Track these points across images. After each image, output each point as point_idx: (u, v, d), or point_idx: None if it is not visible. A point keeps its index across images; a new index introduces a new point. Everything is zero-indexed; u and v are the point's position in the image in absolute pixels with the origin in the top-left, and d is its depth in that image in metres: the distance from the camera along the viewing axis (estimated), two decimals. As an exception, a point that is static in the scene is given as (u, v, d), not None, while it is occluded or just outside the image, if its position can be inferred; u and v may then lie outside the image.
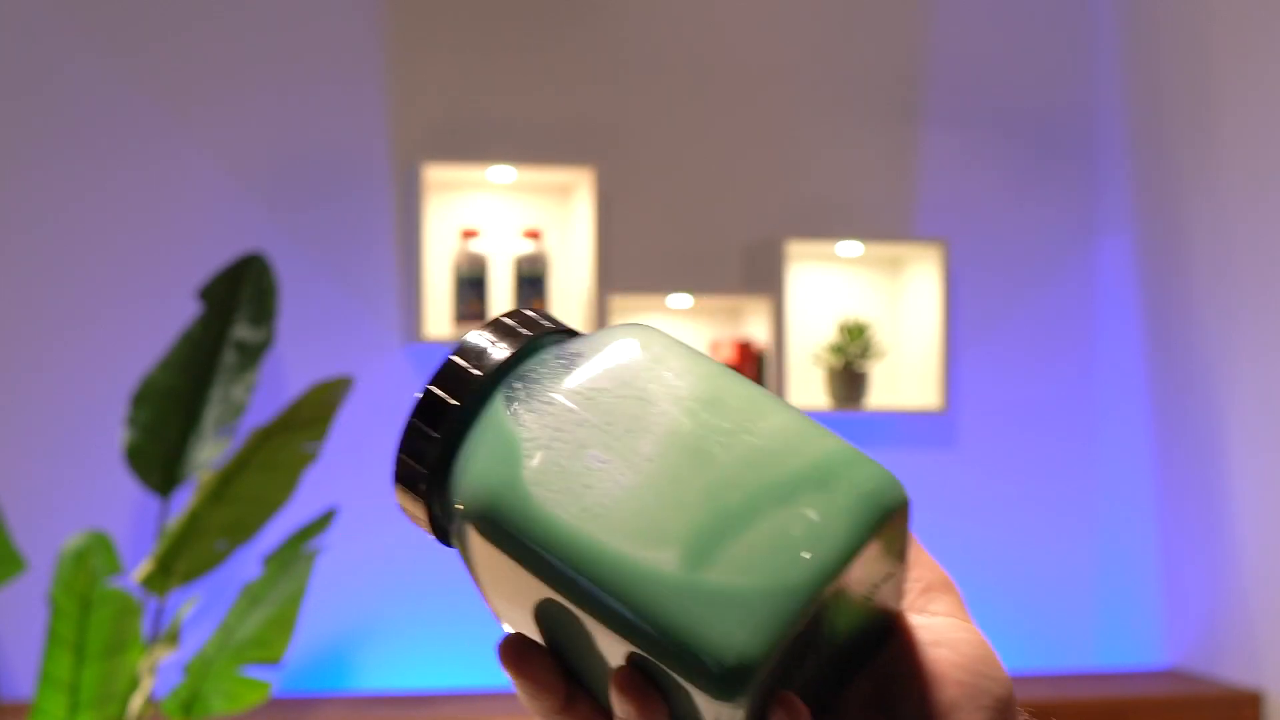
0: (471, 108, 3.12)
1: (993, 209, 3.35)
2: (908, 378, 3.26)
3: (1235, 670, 3.00)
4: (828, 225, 3.26)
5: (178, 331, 2.68)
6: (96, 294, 2.96)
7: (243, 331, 2.62)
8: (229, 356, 2.60)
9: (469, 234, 3.03)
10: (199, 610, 2.86)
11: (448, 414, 0.51)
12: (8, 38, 2.94)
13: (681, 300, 3.14)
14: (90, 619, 2.36)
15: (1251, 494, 2.94)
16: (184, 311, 2.85)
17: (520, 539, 0.48)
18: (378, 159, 3.07)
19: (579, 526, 0.47)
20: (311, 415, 2.47)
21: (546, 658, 0.50)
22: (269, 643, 2.46)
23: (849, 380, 3.17)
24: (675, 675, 0.45)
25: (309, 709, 2.86)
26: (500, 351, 0.51)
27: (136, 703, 2.38)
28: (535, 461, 0.49)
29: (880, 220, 3.30)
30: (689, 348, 0.52)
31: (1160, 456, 3.21)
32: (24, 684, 2.88)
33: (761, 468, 0.48)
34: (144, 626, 2.47)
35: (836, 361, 3.17)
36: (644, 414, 0.50)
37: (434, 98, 3.10)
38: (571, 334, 0.54)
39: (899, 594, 0.52)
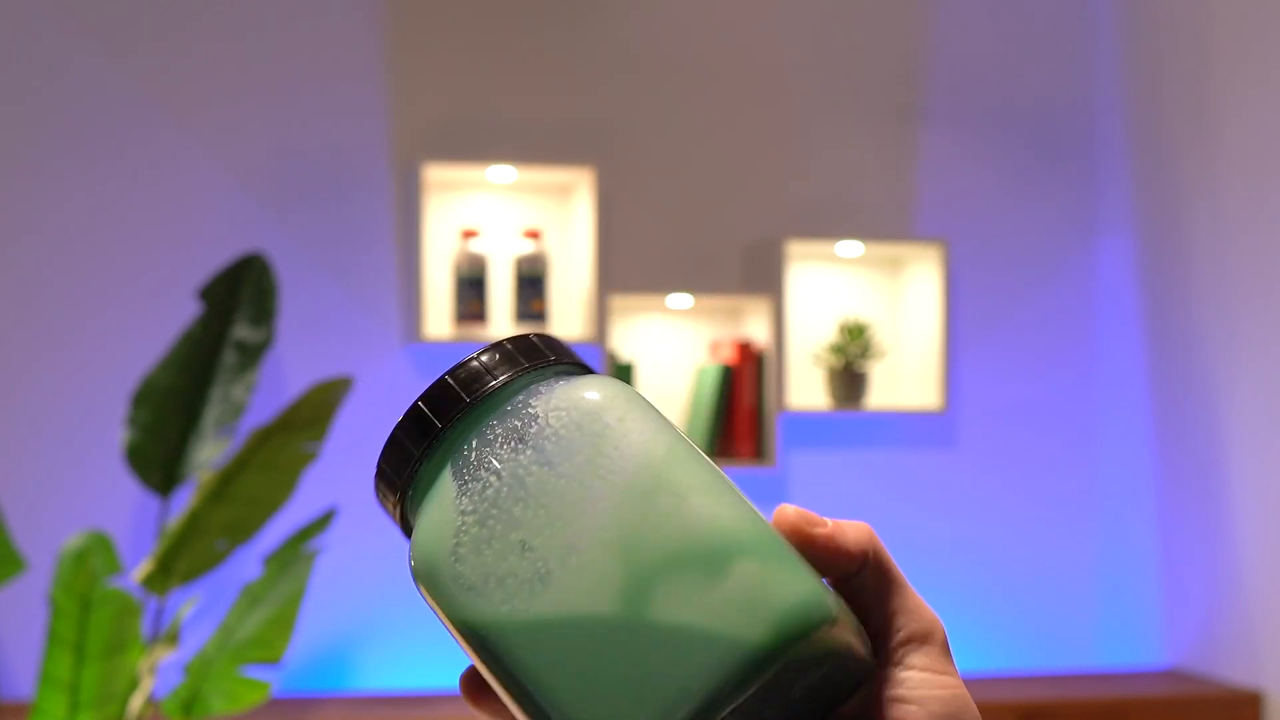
0: (471, 108, 3.12)
1: (993, 209, 3.35)
2: (908, 378, 3.26)
3: (1235, 670, 3.00)
4: (828, 225, 3.26)
5: (178, 331, 2.68)
6: (96, 294, 2.96)
7: (243, 331, 2.62)
8: (229, 356, 2.60)
9: (469, 234, 3.02)
10: (199, 610, 2.86)
11: (408, 461, 0.51)
12: (7, 38, 2.94)
13: (681, 300, 3.14)
14: (90, 619, 2.36)
15: (1251, 494, 2.94)
16: (184, 311, 2.85)
17: (447, 616, 0.49)
18: (378, 159, 3.07)
19: (494, 619, 0.48)
20: (311, 415, 2.47)
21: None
22: (269, 643, 2.46)
23: (849, 380, 3.17)
24: None
25: (309, 709, 2.86)
26: (469, 394, 0.51)
27: (136, 703, 2.39)
28: (468, 539, 0.49)
29: (880, 220, 3.30)
30: (649, 414, 0.51)
31: (1160, 456, 3.21)
32: (24, 684, 2.88)
33: (684, 579, 0.47)
34: (144, 626, 2.47)
35: (836, 361, 3.17)
36: (582, 500, 0.49)
37: (434, 98, 3.10)
38: (552, 364, 0.53)
39: (865, 653, 0.52)
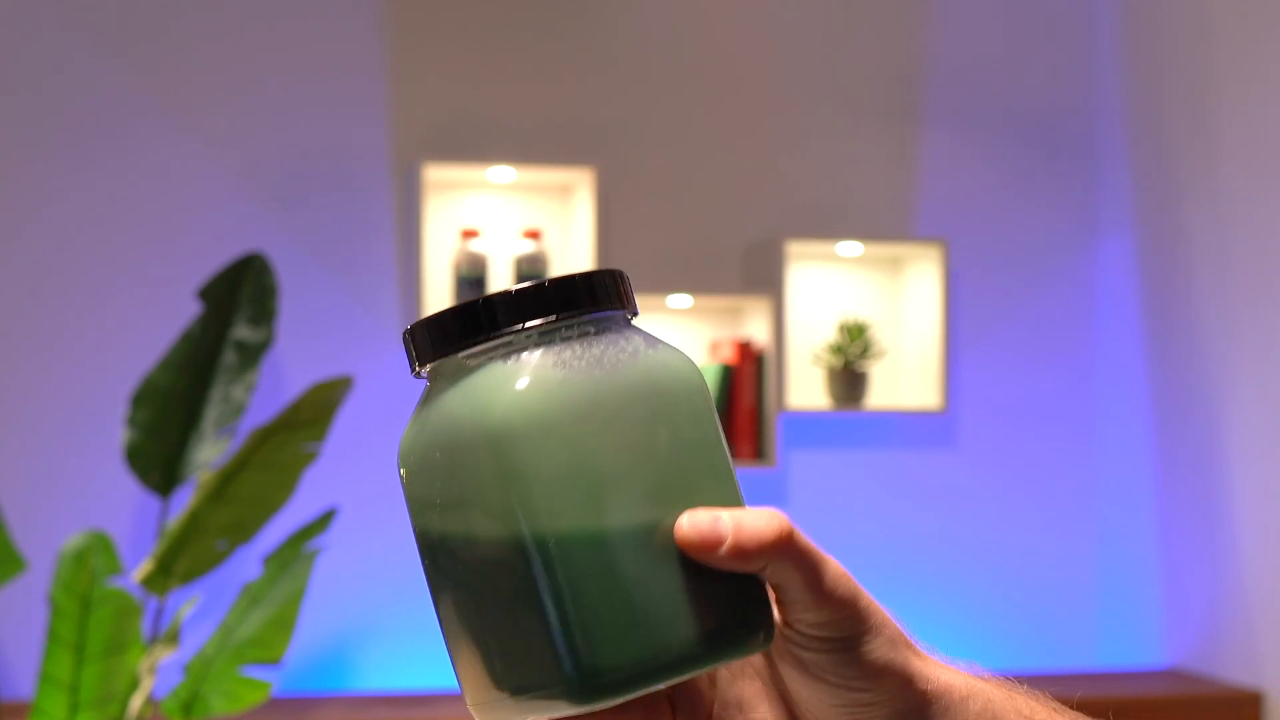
0: (471, 108, 3.12)
1: (993, 209, 3.35)
2: (908, 378, 3.26)
3: (1235, 670, 3.00)
4: (828, 225, 3.26)
5: (178, 331, 2.68)
6: (96, 294, 2.96)
7: (243, 331, 2.62)
8: (229, 356, 2.60)
9: (469, 234, 3.02)
10: (199, 610, 2.86)
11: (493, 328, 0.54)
12: (6, 36, 2.94)
13: (681, 300, 3.14)
14: (90, 619, 2.36)
15: (1251, 494, 2.94)
16: (184, 311, 2.85)
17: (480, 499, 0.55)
18: (378, 159, 3.07)
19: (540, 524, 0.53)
20: (311, 415, 2.47)
21: None
22: (269, 643, 2.46)
23: (849, 380, 3.17)
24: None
25: (309, 709, 2.86)
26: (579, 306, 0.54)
27: (136, 703, 2.38)
28: (541, 447, 0.53)
29: (880, 220, 3.30)
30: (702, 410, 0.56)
31: (1160, 456, 3.21)
32: (24, 684, 2.88)
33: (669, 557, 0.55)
34: (144, 626, 2.47)
35: (836, 361, 3.17)
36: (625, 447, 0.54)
37: (434, 98, 3.10)
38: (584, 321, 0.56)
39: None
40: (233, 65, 3.03)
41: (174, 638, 2.42)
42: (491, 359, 0.53)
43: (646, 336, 0.56)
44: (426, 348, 0.55)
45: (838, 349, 3.17)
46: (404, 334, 0.56)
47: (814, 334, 3.26)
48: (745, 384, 3.10)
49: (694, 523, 0.54)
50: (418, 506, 0.56)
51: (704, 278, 3.21)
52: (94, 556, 2.38)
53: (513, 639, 0.54)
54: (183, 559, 2.45)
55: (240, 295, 2.64)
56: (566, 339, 0.53)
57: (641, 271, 3.17)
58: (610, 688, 0.52)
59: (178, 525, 2.41)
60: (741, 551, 0.54)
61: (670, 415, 0.54)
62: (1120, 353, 3.33)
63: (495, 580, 0.54)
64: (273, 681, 2.50)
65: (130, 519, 2.93)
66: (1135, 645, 3.28)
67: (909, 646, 0.59)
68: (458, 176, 3.06)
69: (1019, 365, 3.35)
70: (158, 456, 2.56)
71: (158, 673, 2.51)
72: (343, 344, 3.02)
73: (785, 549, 0.55)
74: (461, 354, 0.54)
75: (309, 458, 2.51)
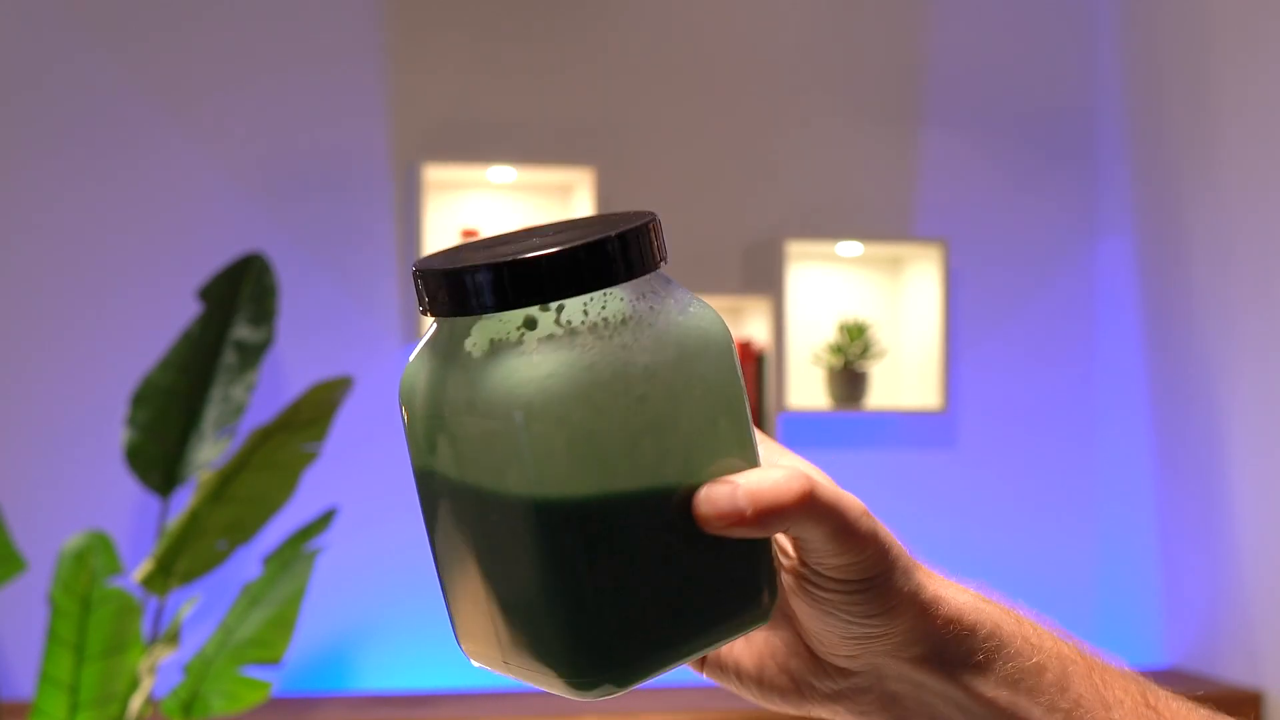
0: (471, 108, 3.12)
1: (993, 209, 3.35)
2: (908, 378, 3.26)
3: (1235, 670, 3.00)
4: (828, 225, 3.26)
5: (178, 331, 2.68)
6: (96, 294, 2.95)
7: (243, 331, 2.62)
8: (229, 356, 2.60)
9: (469, 234, 3.02)
10: (199, 610, 2.86)
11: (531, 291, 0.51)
12: (5, 36, 2.94)
13: (681, 300, 3.14)
14: (90, 619, 2.36)
15: (1251, 494, 2.94)
16: (184, 311, 2.85)
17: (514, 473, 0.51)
18: (378, 159, 3.07)
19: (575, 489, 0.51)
20: (311, 415, 2.47)
21: None
22: (269, 643, 2.46)
23: (849, 380, 3.17)
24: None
25: (309, 709, 2.86)
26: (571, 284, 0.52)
27: (136, 703, 2.38)
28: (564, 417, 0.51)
29: (880, 220, 3.30)
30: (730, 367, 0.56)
31: (1160, 456, 3.21)
32: (24, 684, 2.88)
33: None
34: (144, 626, 2.47)
35: (836, 361, 3.17)
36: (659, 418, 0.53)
37: (434, 98, 3.10)
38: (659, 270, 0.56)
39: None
40: (233, 64, 3.03)
41: (174, 638, 2.42)
42: (518, 328, 0.52)
43: (676, 296, 0.55)
44: (446, 302, 0.53)
45: (838, 349, 3.17)
46: (426, 273, 0.53)
47: (814, 334, 3.26)
48: (745, 384, 3.10)
49: (711, 500, 0.52)
50: (418, 447, 0.54)
51: (704, 278, 3.21)
52: (94, 556, 2.38)
53: (517, 608, 0.52)
54: (183, 559, 2.45)
55: (240, 295, 2.63)
56: (598, 312, 0.52)
57: (641, 271, 3.17)
58: (615, 680, 0.51)
59: (178, 525, 2.41)
60: (764, 520, 0.52)
61: (693, 383, 0.54)
62: (1120, 353, 3.33)
63: (503, 544, 0.52)
64: (273, 681, 2.50)
65: (130, 519, 2.93)
66: (1135, 645, 3.28)
67: (919, 569, 0.59)
68: (458, 176, 3.06)
69: (1019, 365, 3.35)
70: (158, 456, 2.56)
71: (158, 673, 2.51)
72: (343, 344, 3.02)
73: (808, 509, 0.53)
74: (485, 315, 0.52)
75: (309, 458, 2.51)
